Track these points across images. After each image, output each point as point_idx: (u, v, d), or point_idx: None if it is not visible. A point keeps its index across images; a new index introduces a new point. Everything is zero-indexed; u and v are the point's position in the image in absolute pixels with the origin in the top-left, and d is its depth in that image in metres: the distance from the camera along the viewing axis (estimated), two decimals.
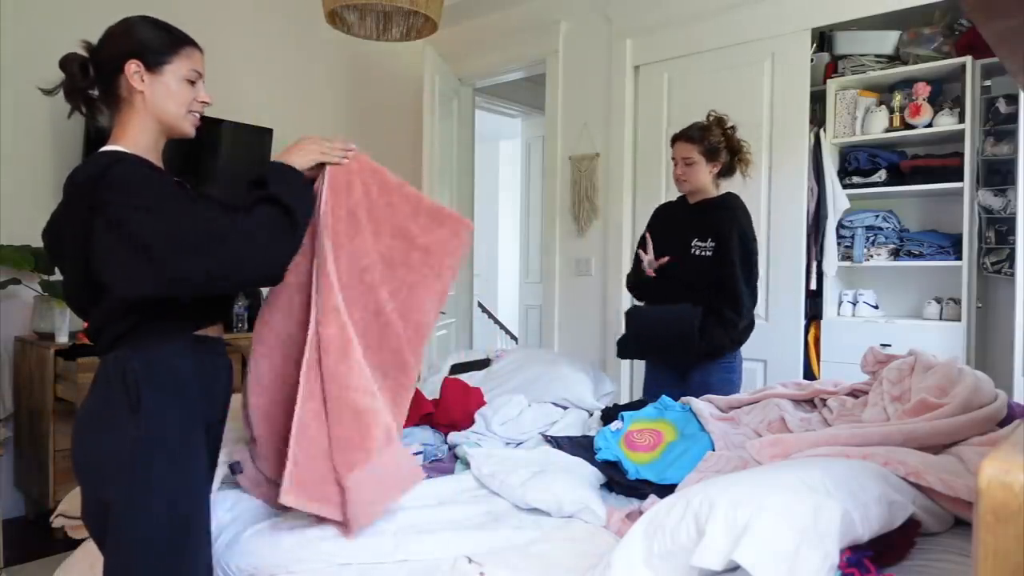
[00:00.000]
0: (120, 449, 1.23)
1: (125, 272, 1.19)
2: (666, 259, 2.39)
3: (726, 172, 2.47)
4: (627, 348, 2.54)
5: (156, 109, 1.32)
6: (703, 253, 2.38)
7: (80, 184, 1.24)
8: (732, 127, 2.46)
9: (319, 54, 4.20)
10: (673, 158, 2.47)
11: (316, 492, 1.34)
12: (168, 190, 1.25)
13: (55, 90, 1.35)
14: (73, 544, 1.71)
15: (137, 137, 1.32)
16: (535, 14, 4.03)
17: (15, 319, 3.13)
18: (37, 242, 3.01)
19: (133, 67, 1.29)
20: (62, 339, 2.96)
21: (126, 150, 1.30)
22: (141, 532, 1.23)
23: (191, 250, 1.17)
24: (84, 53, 1.33)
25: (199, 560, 1.30)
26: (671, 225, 2.52)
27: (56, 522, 1.68)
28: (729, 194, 2.49)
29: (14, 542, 2.76)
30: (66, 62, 1.32)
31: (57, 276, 3.03)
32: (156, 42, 1.32)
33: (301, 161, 1.36)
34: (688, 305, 2.32)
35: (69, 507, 1.67)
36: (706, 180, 2.43)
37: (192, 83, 1.36)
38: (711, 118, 2.47)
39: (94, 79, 1.33)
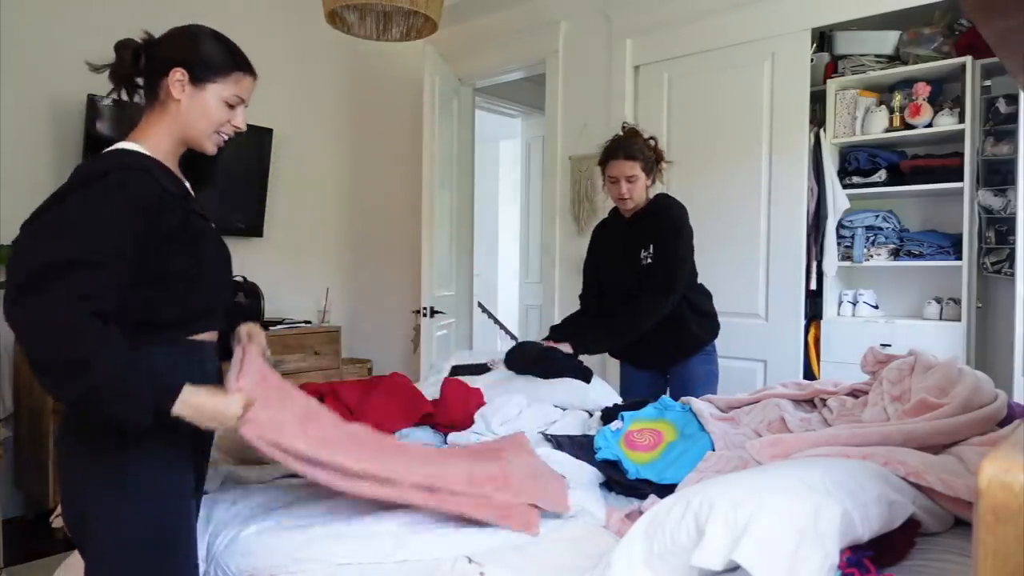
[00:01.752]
0: (99, 455, 1.22)
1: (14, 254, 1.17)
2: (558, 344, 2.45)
3: (652, 182, 2.50)
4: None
5: (186, 121, 1.32)
6: (647, 262, 2.43)
7: (80, 176, 1.24)
8: (652, 137, 2.48)
9: (319, 54, 4.20)
10: (612, 177, 2.41)
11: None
12: (115, 242, 1.16)
13: (102, 68, 1.36)
14: (73, 544, 1.71)
15: (159, 140, 1.33)
16: (535, 14, 4.03)
17: None
18: None
19: (178, 75, 1.30)
20: None
21: (144, 151, 1.29)
22: (121, 541, 1.21)
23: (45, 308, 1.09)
24: (140, 42, 1.34)
25: (185, 567, 1.29)
26: (616, 244, 2.55)
27: (56, 522, 1.69)
28: (659, 196, 2.52)
29: (14, 542, 2.76)
30: (121, 46, 1.33)
31: None
32: (210, 58, 1.33)
33: (194, 413, 1.18)
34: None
35: None
36: (644, 193, 2.46)
37: (231, 107, 1.36)
38: (627, 128, 2.49)
39: (142, 70, 1.33)
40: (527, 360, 2.47)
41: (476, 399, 2.19)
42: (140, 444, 1.22)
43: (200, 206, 1.38)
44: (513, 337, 6.44)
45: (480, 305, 5.89)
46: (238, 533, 1.45)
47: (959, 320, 2.96)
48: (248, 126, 3.70)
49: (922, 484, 1.26)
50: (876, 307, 3.31)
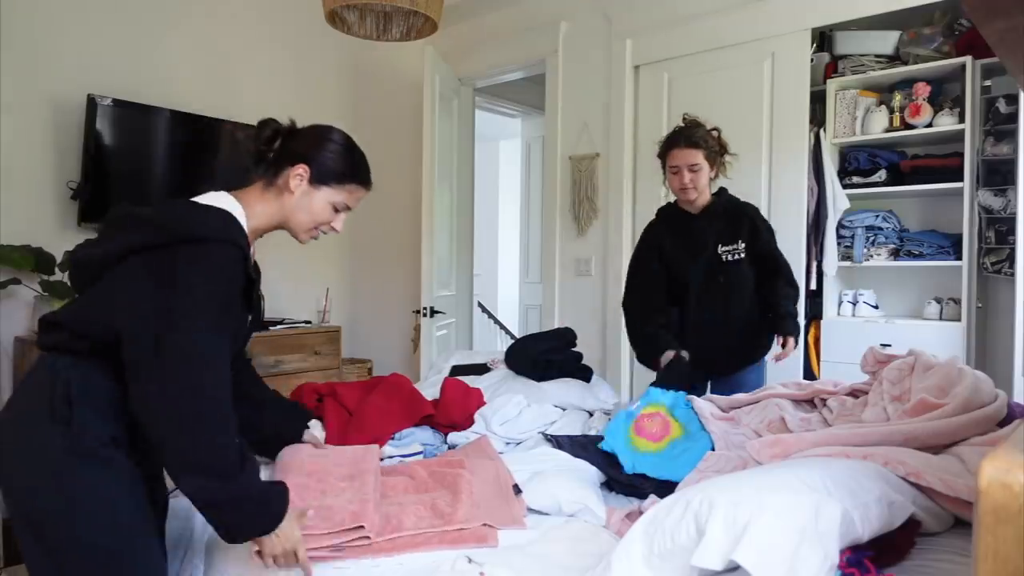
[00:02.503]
0: (48, 459, 1.19)
1: (135, 320, 1.18)
2: (675, 355, 2.24)
3: (716, 176, 2.40)
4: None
5: (292, 213, 1.41)
6: (735, 257, 2.37)
7: (174, 220, 1.24)
8: (716, 128, 2.39)
9: (319, 54, 4.20)
10: (674, 167, 2.33)
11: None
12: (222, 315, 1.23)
13: (248, 141, 1.45)
14: None
15: (260, 215, 1.39)
16: (535, 14, 4.03)
17: (15, 319, 3.13)
18: (37, 242, 3.04)
19: (300, 170, 1.39)
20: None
21: (244, 220, 1.32)
22: (82, 540, 1.19)
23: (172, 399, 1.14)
24: (282, 126, 1.43)
25: (150, 565, 1.26)
26: (684, 240, 2.41)
27: None
28: (725, 190, 2.48)
29: (14, 542, 2.76)
30: (262, 124, 1.43)
31: (57, 276, 3.04)
32: (333, 165, 1.41)
33: (278, 544, 1.24)
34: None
35: None
36: (708, 185, 2.37)
37: (337, 211, 1.44)
38: (689, 120, 2.39)
39: (277, 151, 1.41)
40: (527, 359, 2.47)
41: (476, 399, 2.19)
42: (88, 450, 1.21)
43: (258, 293, 1.46)
44: (513, 337, 6.44)
45: (480, 305, 5.89)
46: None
47: (959, 320, 2.96)
48: (248, 126, 3.73)
49: (922, 484, 1.26)
50: (876, 307, 3.31)
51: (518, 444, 2.03)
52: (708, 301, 2.38)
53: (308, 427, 1.76)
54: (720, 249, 2.37)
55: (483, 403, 2.18)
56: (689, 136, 2.31)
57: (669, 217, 2.51)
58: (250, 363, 1.70)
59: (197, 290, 1.19)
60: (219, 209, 1.28)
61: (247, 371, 1.67)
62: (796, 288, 2.48)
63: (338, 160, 1.42)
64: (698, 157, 2.30)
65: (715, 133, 2.37)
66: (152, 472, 1.33)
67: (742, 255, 2.38)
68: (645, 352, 2.45)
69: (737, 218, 2.40)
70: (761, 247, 2.41)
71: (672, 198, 2.53)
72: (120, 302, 1.21)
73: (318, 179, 1.40)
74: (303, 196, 1.40)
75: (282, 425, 1.70)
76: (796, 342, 2.37)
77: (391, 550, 1.33)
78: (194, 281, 1.19)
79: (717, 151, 2.35)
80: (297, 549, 1.24)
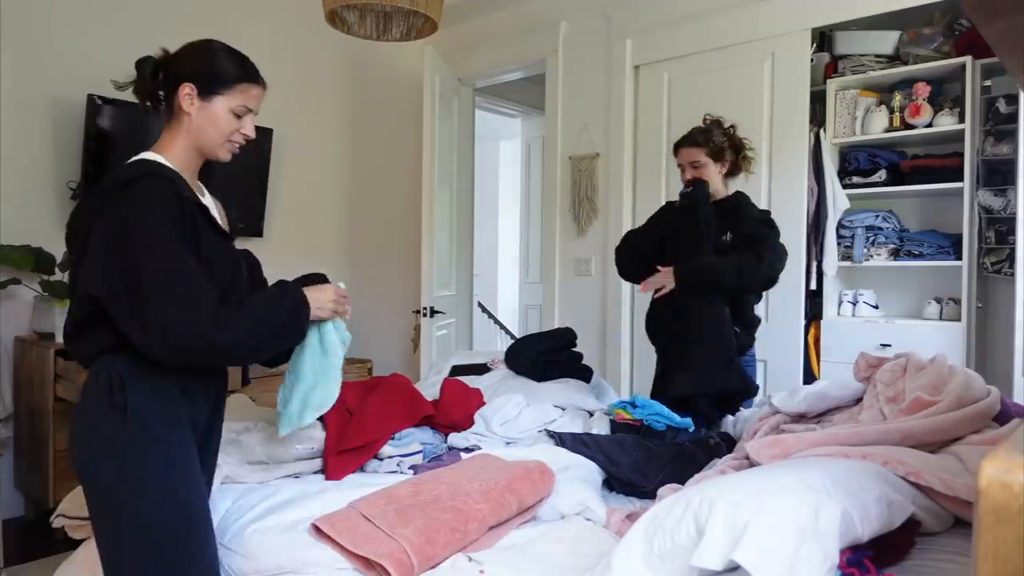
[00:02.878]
0: (108, 445, 1.27)
1: (105, 281, 1.25)
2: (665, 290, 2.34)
3: (733, 171, 2.48)
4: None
5: (197, 133, 1.41)
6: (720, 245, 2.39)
7: (107, 184, 1.31)
8: (732, 126, 2.47)
9: (319, 54, 4.20)
10: (680, 165, 2.46)
11: None
12: (173, 228, 1.28)
13: (127, 85, 1.46)
14: (73, 544, 1.71)
15: (178, 151, 1.41)
16: (535, 14, 4.03)
17: (15, 319, 3.13)
18: (37, 242, 3.04)
19: (186, 90, 1.38)
20: (62, 339, 2.95)
21: (165, 162, 1.37)
22: (143, 521, 1.26)
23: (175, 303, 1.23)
24: (157, 59, 1.42)
25: (205, 549, 1.33)
26: (681, 227, 2.45)
27: (56, 522, 1.68)
28: (738, 193, 2.51)
29: (14, 542, 2.76)
30: (140, 64, 1.42)
31: (57, 276, 3.04)
32: (216, 72, 1.40)
33: (316, 311, 1.45)
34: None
35: (69, 507, 1.67)
36: (717, 181, 2.44)
37: (239, 116, 1.43)
38: (708, 120, 2.48)
39: (162, 83, 1.41)
40: (527, 360, 2.47)
41: (476, 399, 2.19)
42: (149, 437, 1.29)
43: (216, 218, 1.45)
44: (513, 337, 6.44)
45: (480, 305, 5.89)
46: (239, 534, 1.45)
47: (959, 320, 2.96)
48: None
49: (921, 484, 1.26)
50: (876, 307, 3.31)
51: (518, 442, 2.03)
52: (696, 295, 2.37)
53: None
54: (720, 241, 2.41)
55: (483, 403, 2.18)
56: (691, 135, 2.44)
57: (674, 211, 2.56)
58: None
59: (137, 226, 1.25)
60: (135, 160, 1.37)
61: None
62: (759, 265, 2.27)
63: (218, 65, 1.41)
64: (699, 155, 2.40)
65: (731, 130, 2.46)
66: (203, 416, 1.43)
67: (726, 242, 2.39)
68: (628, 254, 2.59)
69: (730, 211, 2.42)
70: (744, 227, 2.36)
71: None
72: (88, 272, 1.28)
73: (207, 90, 1.39)
74: (200, 112, 1.39)
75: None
76: (676, 284, 2.31)
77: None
78: (133, 221, 1.25)
79: (725, 147, 2.42)
80: (328, 302, 1.46)
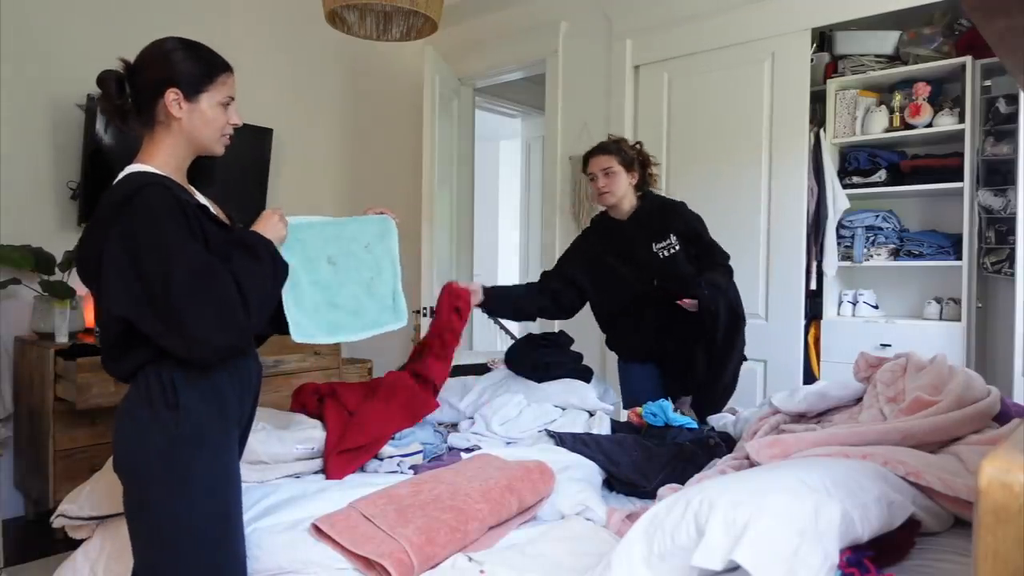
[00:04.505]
0: (159, 445, 1.27)
1: (130, 299, 1.24)
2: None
3: (641, 184, 2.53)
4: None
5: (192, 134, 1.39)
6: (670, 252, 2.44)
7: (106, 206, 1.29)
8: (639, 143, 2.57)
9: (319, 54, 4.20)
10: (590, 173, 2.51)
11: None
12: (184, 231, 1.28)
13: (92, 105, 1.41)
14: (73, 544, 1.71)
15: (167, 157, 1.39)
16: (535, 14, 4.03)
17: (15, 319, 3.13)
18: (37, 242, 3.04)
19: (172, 95, 1.35)
20: (62, 339, 2.95)
21: (155, 170, 1.35)
22: (184, 525, 1.27)
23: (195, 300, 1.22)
24: (121, 71, 1.37)
25: (237, 552, 1.34)
26: (619, 244, 2.52)
27: (56, 522, 1.68)
28: (651, 193, 2.57)
29: (14, 542, 2.76)
30: (103, 80, 1.37)
31: (57, 276, 3.04)
32: (194, 71, 1.38)
33: (273, 234, 1.43)
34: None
35: (69, 507, 1.67)
36: (627, 190, 2.50)
37: (225, 107, 1.42)
38: (612, 137, 2.57)
39: (129, 97, 1.37)
40: (527, 362, 2.47)
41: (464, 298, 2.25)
42: (201, 438, 1.29)
43: (220, 214, 1.46)
44: (513, 337, 6.43)
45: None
46: None
47: (959, 320, 2.96)
48: (248, 126, 3.68)
49: (922, 484, 1.26)
50: (876, 307, 3.31)
51: (518, 442, 2.03)
52: (651, 300, 2.44)
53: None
54: (655, 247, 2.45)
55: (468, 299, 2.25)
56: (603, 145, 2.52)
57: (600, 227, 2.64)
58: None
59: (142, 236, 1.24)
60: (126, 175, 1.35)
61: None
62: (727, 271, 2.46)
63: (192, 64, 1.38)
64: (611, 162, 2.47)
65: (638, 146, 2.56)
66: (246, 416, 1.45)
67: (676, 247, 2.44)
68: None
69: (664, 214, 2.50)
70: (693, 241, 2.47)
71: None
72: (109, 294, 1.27)
73: (192, 90, 1.36)
74: (191, 114, 1.37)
75: None
76: (700, 303, 2.32)
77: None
78: (138, 232, 1.24)
79: (635, 158, 2.51)
80: (279, 226, 1.46)
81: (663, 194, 2.66)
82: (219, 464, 1.32)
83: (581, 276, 2.58)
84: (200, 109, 1.38)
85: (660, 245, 2.44)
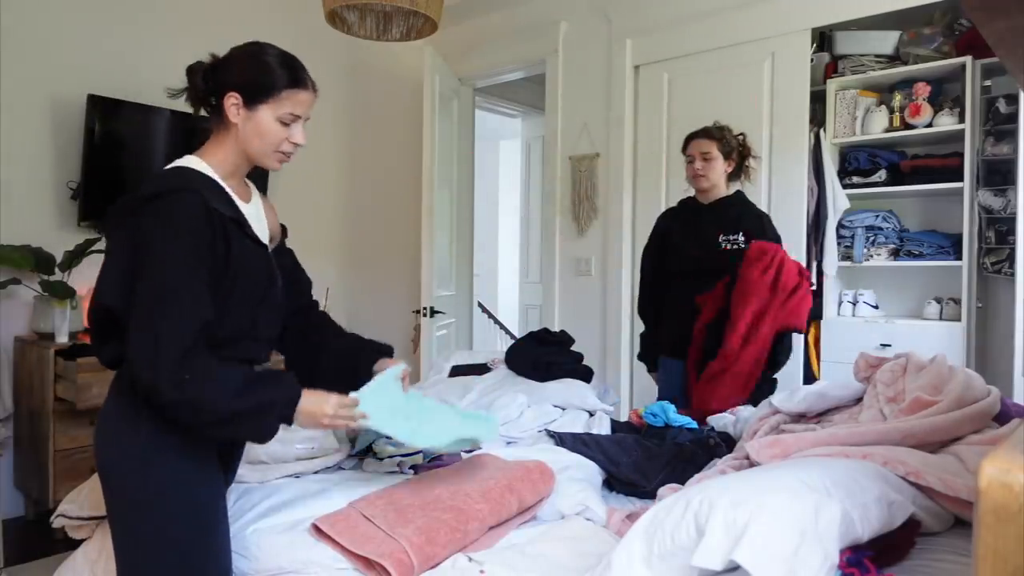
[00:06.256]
0: (132, 451, 1.26)
1: (120, 292, 1.24)
2: None
3: (735, 174, 2.54)
4: None
5: (244, 142, 1.37)
6: (733, 247, 2.45)
7: (140, 197, 1.27)
8: (742, 134, 2.56)
9: (319, 54, 4.20)
10: (690, 155, 2.52)
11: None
12: (198, 253, 1.25)
13: (179, 93, 1.41)
14: (73, 544, 1.71)
15: (224, 158, 1.38)
16: (535, 14, 4.03)
17: (15, 319, 3.13)
18: (37, 242, 3.04)
19: (232, 99, 1.35)
20: (62, 339, 2.95)
21: (206, 169, 1.34)
22: (161, 530, 1.26)
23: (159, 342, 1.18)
24: (207, 64, 1.38)
25: (219, 562, 1.32)
26: (690, 225, 2.57)
27: (56, 522, 1.68)
28: (741, 192, 2.57)
29: (14, 542, 2.76)
30: (191, 71, 1.39)
31: (57, 276, 3.04)
32: (262, 81, 1.36)
33: (307, 423, 1.33)
34: None
35: (69, 507, 1.67)
36: (722, 177, 2.51)
37: (286, 124, 1.38)
38: (718, 124, 2.55)
39: (211, 90, 1.37)
40: (528, 362, 2.47)
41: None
42: (174, 445, 1.27)
43: (254, 227, 1.41)
44: (513, 337, 6.44)
45: (480, 305, 5.89)
46: (239, 534, 1.45)
47: (959, 320, 2.96)
48: None
49: (922, 484, 1.26)
50: (876, 307, 3.31)
51: (518, 442, 2.03)
52: (702, 284, 2.44)
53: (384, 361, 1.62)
54: (720, 238, 2.46)
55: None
56: (706, 129, 2.52)
57: (682, 207, 2.67)
58: (315, 308, 1.67)
59: (155, 241, 1.23)
60: (171, 168, 1.34)
61: (313, 316, 1.65)
62: None
63: (262, 73, 1.36)
64: (711, 147, 2.47)
65: (740, 137, 2.55)
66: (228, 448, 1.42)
67: (741, 246, 2.42)
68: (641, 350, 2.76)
69: (745, 213, 2.51)
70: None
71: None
72: (103, 285, 1.27)
73: (252, 99, 1.34)
74: (246, 122, 1.35)
75: (342, 367, 1.58)
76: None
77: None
78: (153, 234, 1.23)
79: (735, 148, 2.51)
80: (323, 419, 1.31)
81: (691, 191, 2.64)
82: (196, 473, 1.29)
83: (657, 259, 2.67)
84: (256, 119, 1.35)
85: (726, 237, 2.46)
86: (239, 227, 1.35)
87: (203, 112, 1.41)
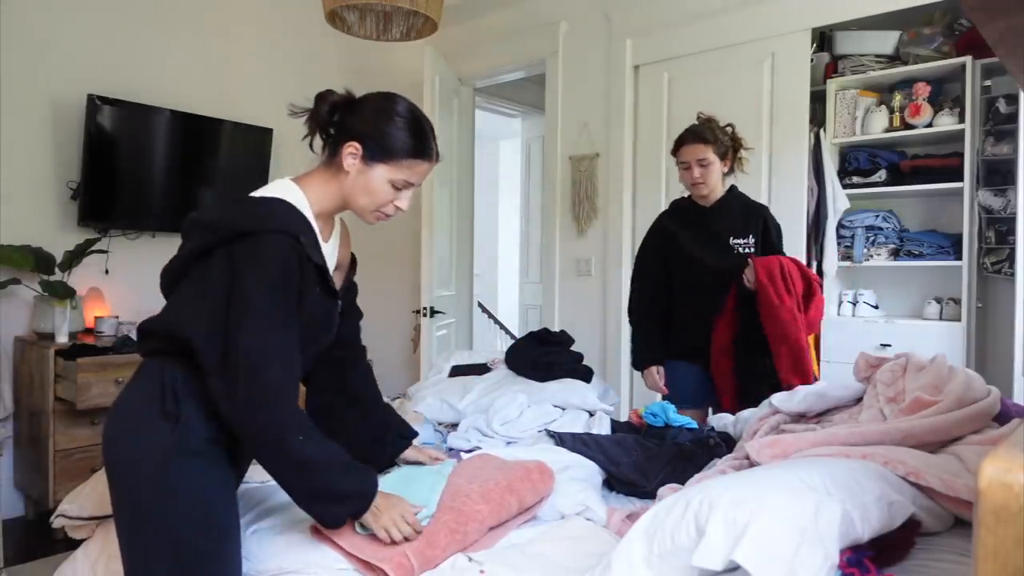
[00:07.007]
0: (152, 452, 1.23)
1: (199, 326, 1.23)
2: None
3: (731, 171, 2.47)
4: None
5: (350, 193, 1.35)
6: (746, 250, 2.42)
7: (232, 218, 1.26)
8: (730, 124, 2.46)
9: (319, 54, 4.20)
10: (684, 162, 2.41)
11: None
12: (286, 310, 1.25)
13: (302, 113, 1.38)
14: (73, 544, 1.71)
15: (323, 197, 1.35)
16: (535, 14, 4.03)
17: (15, 319, 3.13)
18: (37, 242, 3.04)
19: (352, 148, 1.32)
20: (62, 339, 2.96)
21: (303, 204, 1.31)
22: (172, 533, 1.23)
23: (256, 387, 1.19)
24: (339, 97, 1.36)
25: (233, 568, 1.30)
26: (698, 231, 2.47)
27: (56, 522, 1.68)
28: (734, 187, 2.52)
29: (14, 542, 2.76)
30: (320, 98, 1.36)
31: (57, 276, 3.04)
32: (389, 141, 1.33)
33: (372, 520, 1.31)
34: None
35: (69, 507, 1.67)
36: (720, 180, 2.43)
37: (398, 189, 1.36)
38: (703, 117, 2.45)
39: (335, 123, 1.35)
40: (527, 361, 2.47)
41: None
42: (196, 451, 1.26)
43: (341, 264, 1.44)
44: (513, 337, 6.44)
45: (480, 305, 5.89)
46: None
47: (959, 320, 2.96)
48: (248, 126, 3.68)
49: (922, 484, 1.26)
50: (876, 307, 3.31)
51: (518, 442, 2.03)
52: (720, 291, 2.40)
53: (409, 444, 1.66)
54: (732, 241, 2.43)
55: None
56: (698, 132, 2.39)
57: (681, 210, 2.57)
58: (363, 356, 1.67)
59: (250, 288, 1.20)
60: (270, 199, 1.28)
61: (360, 366, 1.64)
62: None
63: (393, 135, 1.32)
64: (707, 152, 2.37)
65: (729, 129, 2.44)
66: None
67: (752, 249, 2.42)
68: (633, 351, 2.63)
69: (749, 214, 2.48)
70: (768, 248, 2.46)
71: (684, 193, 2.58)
72: (185, 312, 1.26)
73: (372, 156, 1.31)
74: (358, 175, 1.32)
75: (376, 443, 1.59)
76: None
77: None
78: (248, 279, 1.20)
79: (729, 146, 2.42)
80: (405, 516, 1.30)
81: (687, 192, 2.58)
82: (212, 478, 1.28)
83: (663, 267, 2.54)
84: (370, 176, 1.33)
85: (738, 241, 2.42)
86: (320, 275, 1.32)
87: (311, 139, 1.38)
